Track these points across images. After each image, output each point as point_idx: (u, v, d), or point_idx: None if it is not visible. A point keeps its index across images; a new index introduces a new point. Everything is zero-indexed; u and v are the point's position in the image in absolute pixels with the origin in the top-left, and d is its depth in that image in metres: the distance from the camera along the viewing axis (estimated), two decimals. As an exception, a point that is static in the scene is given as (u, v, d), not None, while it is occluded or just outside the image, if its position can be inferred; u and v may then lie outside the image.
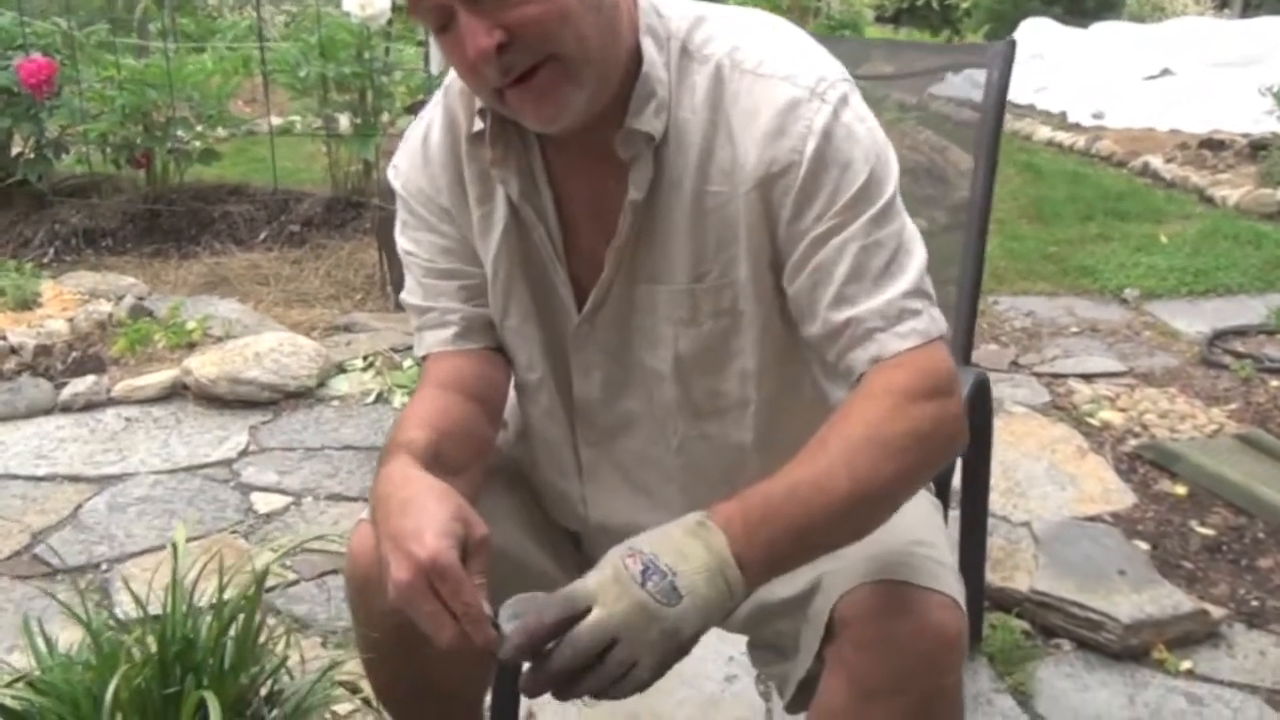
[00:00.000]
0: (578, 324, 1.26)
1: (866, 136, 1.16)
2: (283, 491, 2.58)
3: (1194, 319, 3.64)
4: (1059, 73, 7.63)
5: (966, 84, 1.79)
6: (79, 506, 2.48)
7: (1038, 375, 3.25)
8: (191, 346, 3.19)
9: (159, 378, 3.00)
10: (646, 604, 1.00)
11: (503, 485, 1.39)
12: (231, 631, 1.33)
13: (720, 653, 2.00)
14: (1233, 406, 3.01)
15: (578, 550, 1.42)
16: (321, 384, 3.09)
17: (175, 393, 3.00)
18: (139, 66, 4.25)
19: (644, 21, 1.16)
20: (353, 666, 1.42)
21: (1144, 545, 2.34)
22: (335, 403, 3.05)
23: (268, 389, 2.99)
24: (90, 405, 2.92)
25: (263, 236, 4.19)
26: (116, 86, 4.13)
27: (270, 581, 2.16)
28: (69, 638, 1.36)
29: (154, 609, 1.34)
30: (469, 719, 1.48)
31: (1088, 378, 3.21)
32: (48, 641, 1.34)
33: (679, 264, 1.21)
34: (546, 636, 1.00)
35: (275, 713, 1.34)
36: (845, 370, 1.16)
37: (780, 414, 1.28)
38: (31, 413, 2.89)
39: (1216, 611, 2.11)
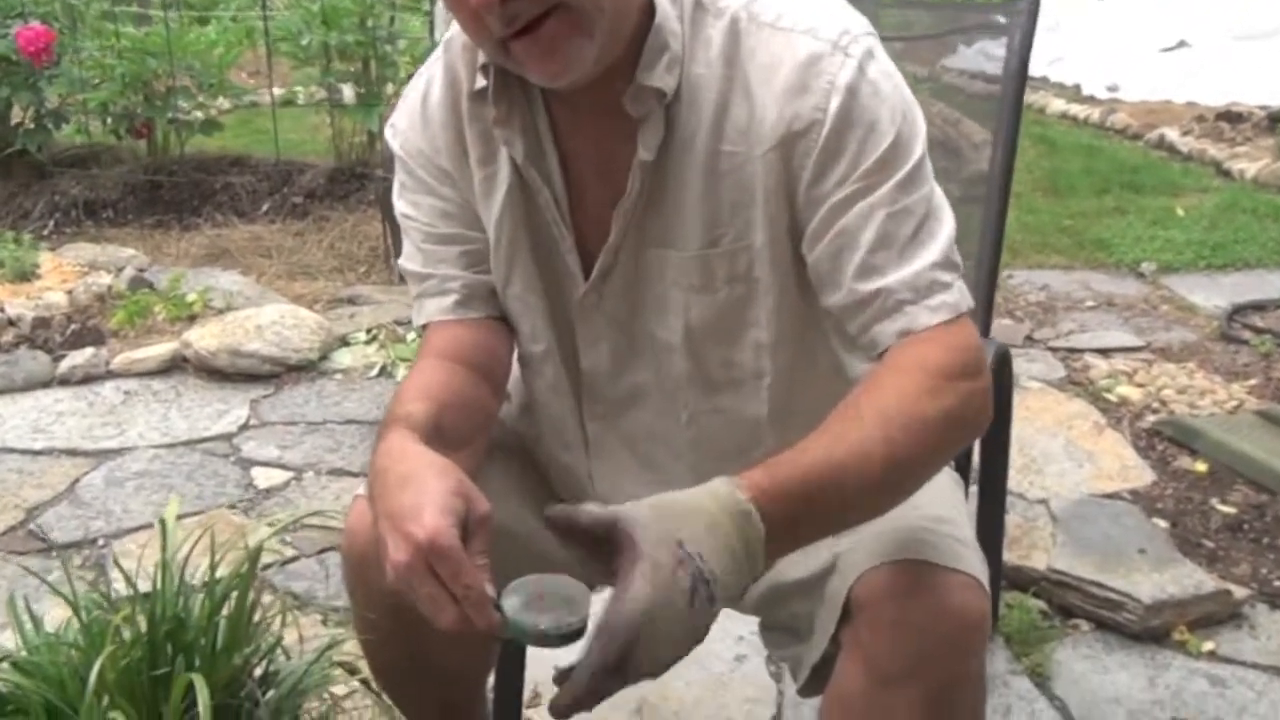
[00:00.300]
0: (584, 292, 1.21)
1: (893, 94, 1.09)
2: (284, 466, 2.54)
3: (1212, 293, 3.57)
4: (1073, 44, 7.52)
5: (979, 56, 1.75)
6: (76, 481, 2.44)
7: (1053, 350, 3.19)
8: (192, 319, 3.14)
9: (158, 350, 2.95)
10: (687, 620, 0.92)
11: (506, 460, 1.33)
12: (225, 610, 1.29)
13: (729, 632, 1.95)
14: (1253, 382, 2.95)
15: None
16: (324, 357, 3.04)
17: (175, 366, 2.95)
18: (139, 35, 4.19)
19: None
20: (352, 646, 1.37)
21: (1163, 524, 2.29)
22: (338, 376, 3.00)
23: (269, 362, 2.94)
24: (88, 378, 2.87)
25: (265, 208, 4.13)
26: (116, 55, 4.07)
27: (269, 558, 2.13)
28: (61, 616, 1.31)
29: (149, 587, 1.29)
30: (471, 701, 1.44)
31: (1104, 352, 3.15)
32: (34, 620, 1.30)
33: (691, 228, 1.15)
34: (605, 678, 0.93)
35: (270, 694, 1.29)
36: (869, 343, 1.11)
37: (796, 386, 1.22)
38: (29, 385, 2.84)
39: (1239, 591, 2.06)
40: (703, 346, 1.20)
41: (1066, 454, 2.56)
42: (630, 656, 0.91)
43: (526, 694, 1.77)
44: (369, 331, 3.19)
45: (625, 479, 1.29)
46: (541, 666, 1.88)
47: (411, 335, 3.14)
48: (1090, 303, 3.55)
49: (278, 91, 4.64)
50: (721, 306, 1.18)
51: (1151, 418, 2.73)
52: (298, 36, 3.89)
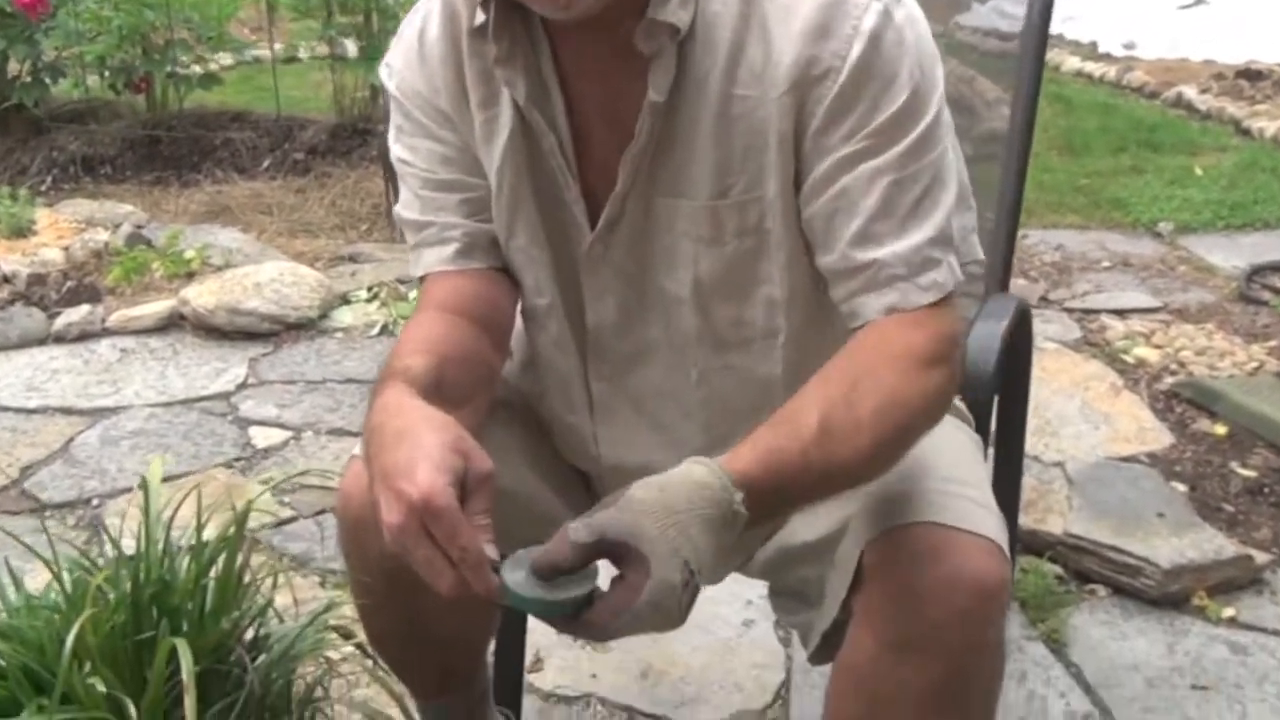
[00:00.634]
0: (590, 244, 1.15)
1: (916, 45, 1.04)
2: (282, 426, 2.49)
3: (1231, 253, 3.50)
4: (1089, 1, 7.40)
5: (993, 14, 1.72)
6: (70, 440, 2.40)
7: (1068, 311, 3.12)
8: (190, 276, 3.09)
9: (155, 308, 2.90)
10: (670, 621, 0.94)
11: (509, 419, 1.28)
12: (213, 573, 1.24)
13: (737, 596, 1.90)
14: (1273, 343, 2.88)
15: (588, 491, 1.32)
16: (324, 315, 2.99)
17: (172, 323, 2.90)
18: (137, -14, 4.10)
19: None
20: (349, 610, 1.32)
21: (1182, 487, 2.23)
22: (338, 335, 2.95)
23: (268, 320, 2.88)
24: (84, 336, 2.82)
25: (266, 165, 4.06)
26: (113, 7, 3.99)
27: (266, 519, 2.08)
28: (47, 578, 1.26)
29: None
30: (471, 667, 1.39)
31: (1121, 313, 3.08)
32: (15, 581, 1.25)
33: (701, 176, 1.09)
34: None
35: (261, 659, 1.24)
36: (850, 312, 1.08)
37: (812, 345, 1.16)
38: (23, 343, 2.79)
39: (1260, 557, 2.01)
40: (711, 302, 1.15)
41: (1082, 416, 2.50)
42: (612, 638, 0.95)
43: (528, 659, 1.72)
44: (370, 289, 3.14)
45: (633, 441, 1.24)
46: (545, 633, 1.84)
47: (414, 294, 3.08)
48: (1106, 263, 3.48)
49: (279, 47, 4.55)
50: (731, 260, 1.12)
51: (1170, 379, 2.67)
52: (298, -13, 3.81)
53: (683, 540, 0.90)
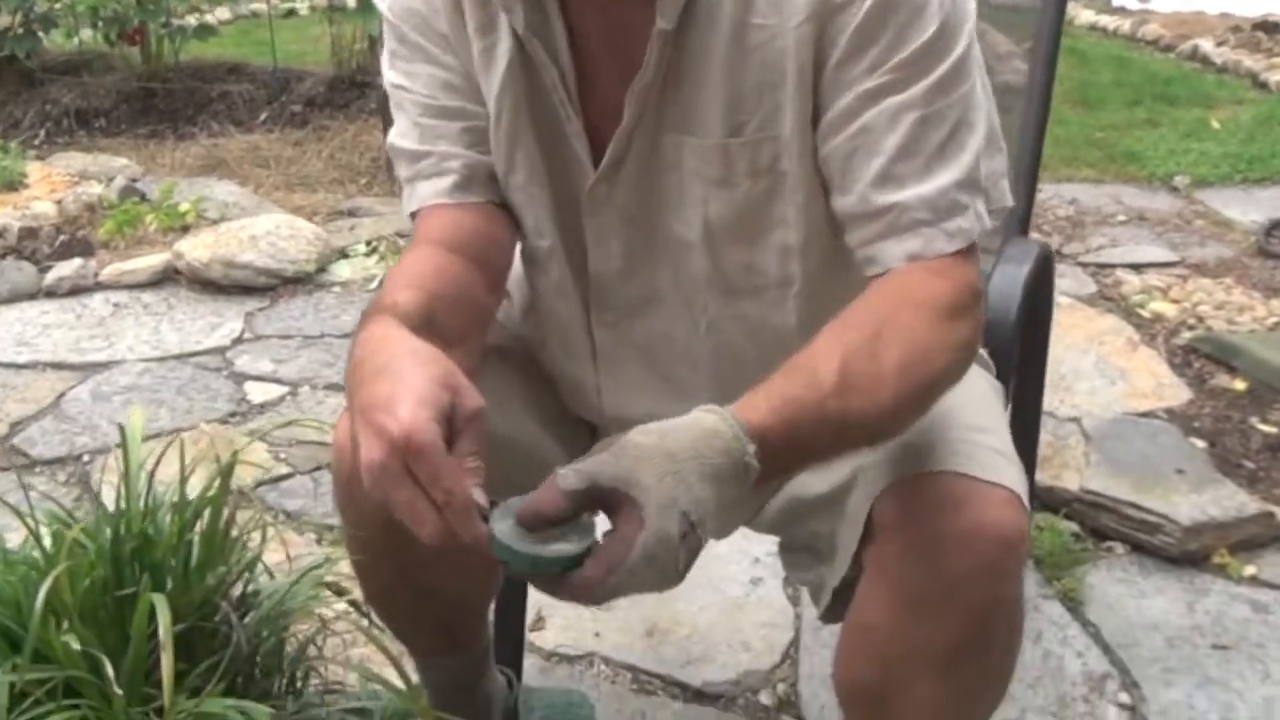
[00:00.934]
0: (594, 183, 1.08)
1: None
2: (278, 381, 2.43)
3: (1249, 207, 3.43)
4: (1101, -45, 7.26)
5: None
6: (61, 395, 2.35)
7: (1083, 265, 3.05)
8: (184, 230, 3.02)
9: (149, 261, 2.84)
10: (669, 578, 0.86)
11: (506, 364, 1.22)
12: (199, 527, 1.19)
13: (746, 553, 1.85)
14: (1293, 298, 2.81)
15: (594, 441, 1.26)
16: (322, 269, 2.93)
17: (167, 277, 2.84)
18: (129, -65, 4.02)
19: None
20: (345, 567, 1.27)
21: (1201, 443, 2.17)
22: (336, 289, 2.89)
23: (264, 274, 2.82)
24: (76, 290, 2.76)
25: (263, 118, 3.99)
26: (105, -44, 3.91)
27: (261, 475, 2.03)
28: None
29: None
30: (472, 626, 1.33)
31: (1137, 268, 3.01)
32: (-6, 537, 1.20)
33: (712, 112, 1.02)
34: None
35: (249, 616, 1.19)
36: (867, 257, 1.00)
37: (828, 295, 1.08)
38: (14, 297, 2.74)
39: (1282, 514, 1.96)
40: (722, 246, 1.08)
41: (1098, 371, 2.44)
42: (606, 598, 0.86)
43: (530, 618, 1.67)
44: (369, 244, 3.07)
45: (638, 393, 1.18)
46: (546, 588, 1.79)
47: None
48: (1121, 217, 3.40)
49: (276, 1, 4.46)
50: (743, 203, 1.05)
51: (1187, 334, 2.61)
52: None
53: (681, 490, 0.83)
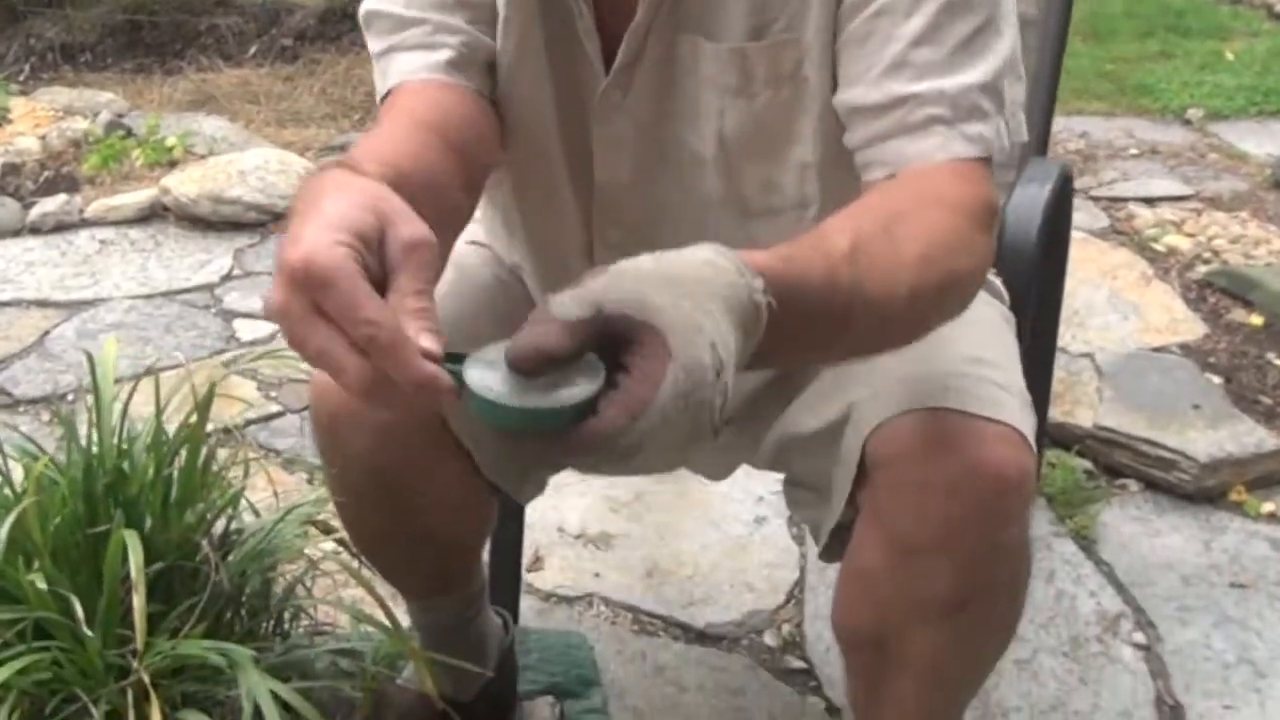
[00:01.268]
0: (606, 87, 0.99)
1: None
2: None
3: (1264, 140, 3.34)
4: (1112, -115, 7.09)
5: None
6: (45, 334, 2.28)
7: (1094, 199, 2.97)
8: (172, 165, 2.94)
9: (136, 197, 2.76)
10: (700, 434, 0.68)
11: (484, 292, 1.15)
12: (177, 463, 1.13)
13: (749, 492, 1.80)
14: (1311, 232, 2.74)
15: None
16: (313, 205, 2.84)
17: (154, 214, 2.76)
18: None
19: None
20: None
21: (1217, 379, 2.11)
22: (328, 225, 2.80)
23: (254, 209, 2.74)
24: (61, 226, 2.69)
25: (252, 51, 3.88)
26: (87, -118, 3.78)
27: (251, 414, 1.98)
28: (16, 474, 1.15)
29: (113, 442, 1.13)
30: (466, 568, 1.27)
31: (1150, 201, 2.93)
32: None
33: (734, 11, 0.94)
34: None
35: (232, 555, 1.14)
36: (872, 160, 0.91)
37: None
38: (-2, 234, 2.66)
39: (1301, 450, 1.90)
40: (738, 162, 1.00)
41: (1111, 306, 2.38)
42: (626, 458, 0.68)
43: (526, 558, 1.63)
44: (362, 179, 2.99)
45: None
46: (545, 530, 1.75)
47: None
48: (1133, 151, 3.32)
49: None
50: (761, 115, 0.98)
51: (1202, 268, 2.54)
52: None
53: (702, 316, 0.68)
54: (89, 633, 0.93)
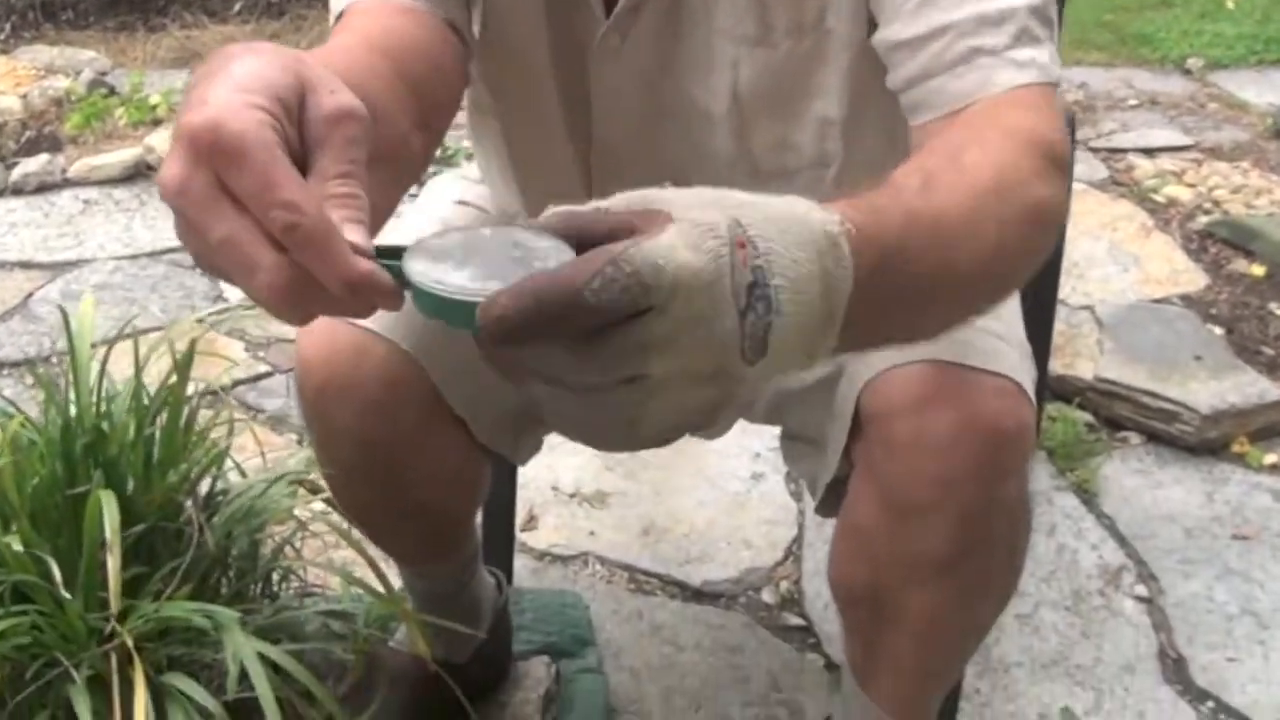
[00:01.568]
0: (604, 33, 0.93)
1: None
2: (257, 277, 2.32)
3: (1264, 89, 3.30)
4: None
5: None
6: (29, 296, 2.24)
7: (1094, 150, 2.93)
8: (156, 123, 2.89)
9: (120, 156, 2.71)
10: (725, 342, 0.54)
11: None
12: (159, 423, 1.10)
13: (746, 448, 1.77)
14: (1313, 181, 2.71)
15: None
16: (301, 163, 2.79)
17: (139, 173, 2.71)
18: None
19: None
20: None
21: (1218, 330, 2.09)
22: (316, 184, 2.76)
23: (240, 168, 2.70)
24: (44, 187, 2.64)
25: (237, 8, 3.81)
26: None
27: (239, 374, 1.94)
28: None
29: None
30: (459, 534, 1.24)
31: (1149, 152, 2.89)
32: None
33: None
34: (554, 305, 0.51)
35: (217, 517, 1.11)
36: (919, 101, 0.82)
37: (870, 181, 0.96)
38: (-21, 195, 2.62)
39: (1304, 401, 1.88)
40: (752, 120, 0.94)
41: (1111, 258, 2.34)
42: (641, 356, 0.52)
43: (520, 517, 1.60)
44: (350, 136, 2.94)
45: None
46: (538, 489, 1.72)
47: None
48: (1133, 101, 3.27)
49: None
50: (780, 68, 0.91)
51: (1203, 219, 2.50)
52: None
53: (734, 205, 0.57)
54: (67, 595, 0.90)
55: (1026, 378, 0.91)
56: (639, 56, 0.94)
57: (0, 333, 2.11)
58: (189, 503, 1.05)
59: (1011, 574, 0.99)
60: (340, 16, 0.84)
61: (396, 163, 0.73)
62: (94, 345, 1.13)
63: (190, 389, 1.13)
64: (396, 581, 1.22)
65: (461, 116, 0.98)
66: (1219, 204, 2.57)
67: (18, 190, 2.63)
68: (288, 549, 1.19)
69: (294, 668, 0.97)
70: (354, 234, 0.54)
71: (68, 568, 0.94)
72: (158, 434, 1.09)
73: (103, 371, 1.08)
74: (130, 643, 0.92)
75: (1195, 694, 1.42)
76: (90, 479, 1.01)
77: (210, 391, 1.29)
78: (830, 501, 1.01)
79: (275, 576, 1.20)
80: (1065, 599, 1.55)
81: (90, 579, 0.95)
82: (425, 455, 1.07)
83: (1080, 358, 1.96)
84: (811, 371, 0.95)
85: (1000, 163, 0.72)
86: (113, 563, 0.86)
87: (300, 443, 1.79)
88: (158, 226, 2.51)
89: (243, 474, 1.21)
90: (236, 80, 0.54)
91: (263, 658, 0.93)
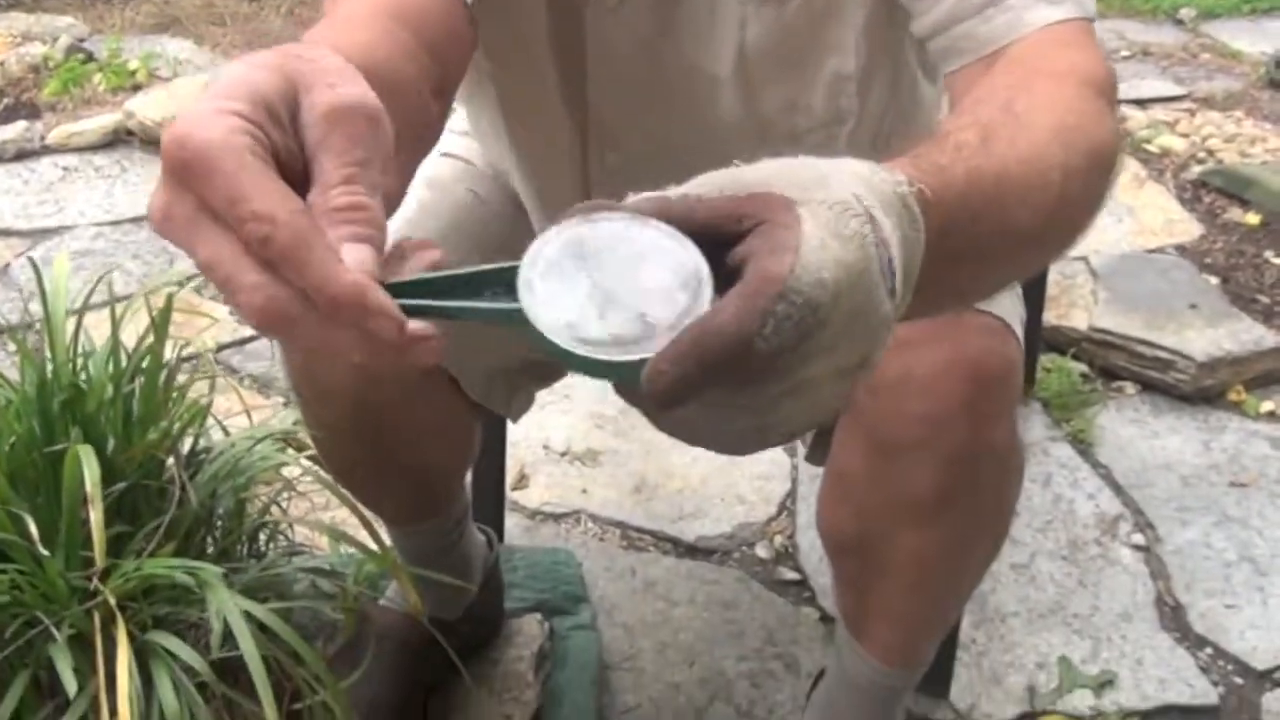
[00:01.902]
0: None
1: None
2: (241, 242, 2.29)
3: (1257, 38, 3.27)
4: None
5: None
6: (8, 264, 2.21)
7: (1085, 102, 2.91)
8: (135, 89, 2.84)
9: (100, 122, 2.67)
10: (881, 334, 0.50)
11: (470, 226, 1.08)
12: (138, 381, 1.08)
13: (738, 403, 1.75)
14: (1307, 130, 2.68)
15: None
16: (283, 127, 2.75)
17: (119, 139, 2.67)
18: None
19: None
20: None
21: (1214, 279, 2.07)
22: (299, 147, 2.72)
23: (222, 132, 2.66)
24: (22, 154, 2.59)
25: (216, -28, 3.75)
26: None
27: (225, 338, 1.92)
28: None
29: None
30: (449, 493, 1.22)
31: (1142, 103, 2.87)
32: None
33: None
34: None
35: (199, 475, 1.09)
36: (948, 47, 0.78)
37: (886, 142, 0.92)
38: (-43, 163, 2.57)
39: (1300, 348, 1.87)
40: (760, 82, 0.90)
41: (1105, 208, 2.31)
42: (802, 341, 0.46)
43: (511, 475, 1.59)
44: (333, 99, 2.89)
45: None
46: (529, 448, 1.70)
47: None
48: (1125, 52, 3.25)
49: None
50: (791, 25, 0.87)
51: (1197, 169, 2.48)
52: None
53: (839, 178, 0.52)
54: (46, 553, 0.88)
55: (1016, 319, 0.90)
56: (634, 19, 0.89)
57: (-19, 300, 2.09)
58: (170, 460, 1.03)
59: (1001, 520, 0.97)
60: None
61: (420, 138, 0.69)
62: (72, 309, 1.11)
63: (172, 350, 1.11)
64: (387, 539, 1.20)
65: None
66: (1213, 153, 2.55)
67: (-5, 158, 2.59)
68: (274, 508, 1.17)
69: (279, 626, 0.95)
70: (355, 253, 0.47)
71: (47, 526, 0.92)
72: (137, 391, 1.07)
73: (78, 329, 1.05)
74: (113, 601, 0.90)
75: (1193, 641, 1.41)
76: (68, 436, 0.98)
77: (193, 356, 1.27)
78: (819, 450, 1.00)
79: (262, 536, 1.18)
80: (1062, 548, 1.54)
81: (71, 537, 0.93)
82: (416, 413, 1.05)
83: (1075, 308, 1.94)
84: None
85: (1056, 108, 0.67)
86: (95, 515, 0.84)
87: (286, 405, 1.77)
88: (138, 192, 2.48)
89: (226, 432, 1.19)
90: (215, 90, 0.49)
91: (249, 616, 0.92)
